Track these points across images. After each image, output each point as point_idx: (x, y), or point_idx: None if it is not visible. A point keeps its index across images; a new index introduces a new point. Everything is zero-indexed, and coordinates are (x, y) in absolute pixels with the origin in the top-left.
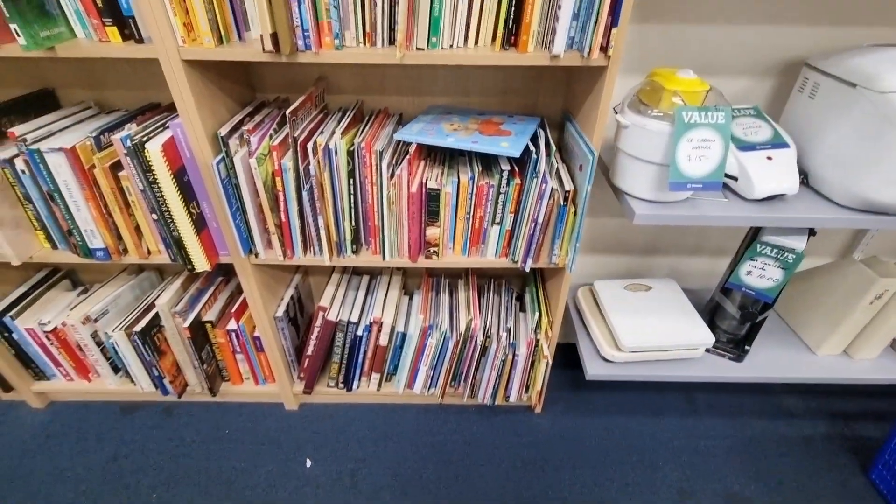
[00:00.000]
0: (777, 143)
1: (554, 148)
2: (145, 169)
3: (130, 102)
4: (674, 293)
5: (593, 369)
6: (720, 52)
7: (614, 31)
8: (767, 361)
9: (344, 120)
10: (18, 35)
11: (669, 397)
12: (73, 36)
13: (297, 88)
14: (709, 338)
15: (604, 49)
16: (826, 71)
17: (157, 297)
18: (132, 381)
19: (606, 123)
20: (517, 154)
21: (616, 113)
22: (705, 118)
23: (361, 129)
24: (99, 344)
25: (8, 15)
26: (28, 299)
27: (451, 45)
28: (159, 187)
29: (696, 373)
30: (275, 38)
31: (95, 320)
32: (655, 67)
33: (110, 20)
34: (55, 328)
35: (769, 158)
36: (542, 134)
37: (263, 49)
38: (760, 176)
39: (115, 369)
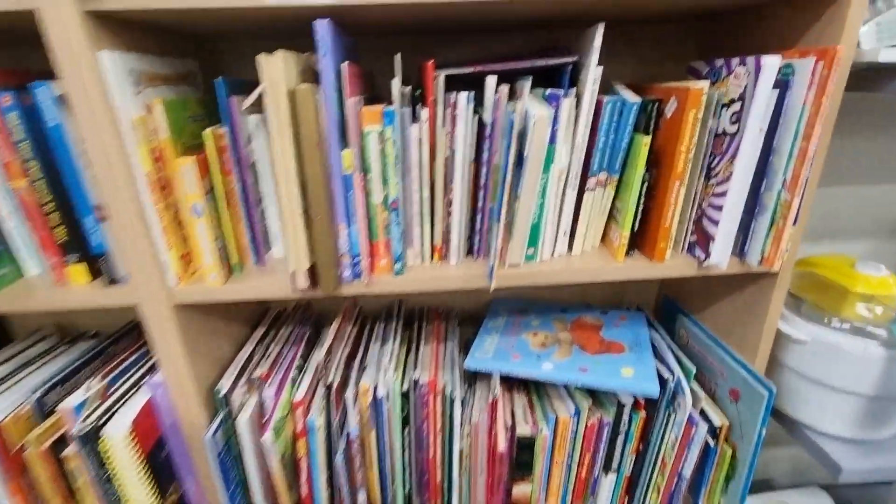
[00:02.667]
0: None
1: (692, 369)
2: (101, 462)
3: (105, 321)
4: None
5: None
6: (839, 214)
7: (791, 229)
8: None
9: (393, 342)
10: None
11: None
12: (20, 275)
13: None
14: None
15: None
16: None
17: None
18: None
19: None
20: (656, 393)
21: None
22: None
23: (413, 347)
24: None
25: None
26: None
27: (552, 255)
28: (119, 483)
29: None
30: (313, 271)
31: None
32: (810, 256)
33: (76, 256)
34: None
35: None
36: (662, 342)
37: (294, 288)
38: None
39: None
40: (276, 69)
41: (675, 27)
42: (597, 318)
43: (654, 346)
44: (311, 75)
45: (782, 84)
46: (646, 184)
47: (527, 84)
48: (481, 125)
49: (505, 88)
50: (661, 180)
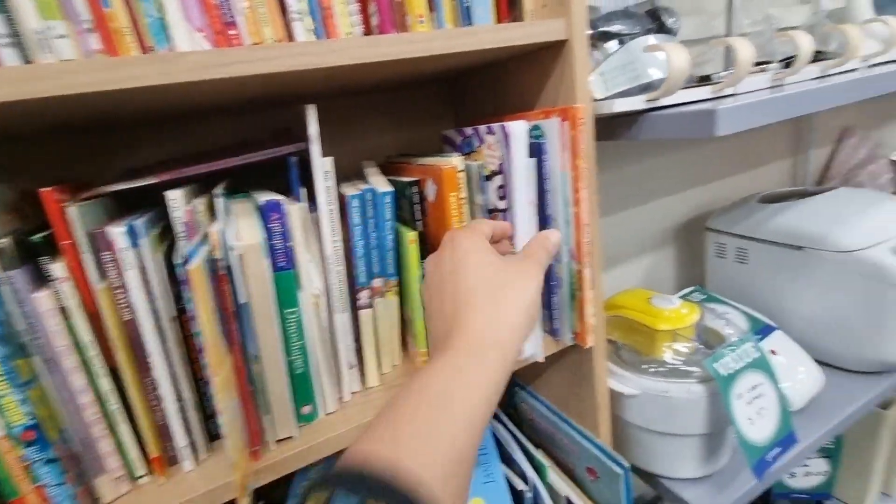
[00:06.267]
0: (763, 328)
1: (545, 464)
2: None
3: None
4: None
5: None
6: (620, 238)
7: (592, 300)
8: None
9: None
10: None
11: None
12: None
13: None
14: None
15: None
16: (748, 235)
17: None
18: None
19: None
20: None
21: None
22: (740, 360)
23: None
24: None
25: None
26: None
27: (340, 400)
28: None
29: None
30: None
31: None
32: (615, 295)
33: None
34: None
35: (773, 352)
36: (505, 432)
37: None
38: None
39: None
40: None
41: (426, 89)
42: None
43: (497, 441)
44: None
45: (536, 148)
46: None
47: (219, 199)
48: (172, 263)
49: (200, 204)
50: None
